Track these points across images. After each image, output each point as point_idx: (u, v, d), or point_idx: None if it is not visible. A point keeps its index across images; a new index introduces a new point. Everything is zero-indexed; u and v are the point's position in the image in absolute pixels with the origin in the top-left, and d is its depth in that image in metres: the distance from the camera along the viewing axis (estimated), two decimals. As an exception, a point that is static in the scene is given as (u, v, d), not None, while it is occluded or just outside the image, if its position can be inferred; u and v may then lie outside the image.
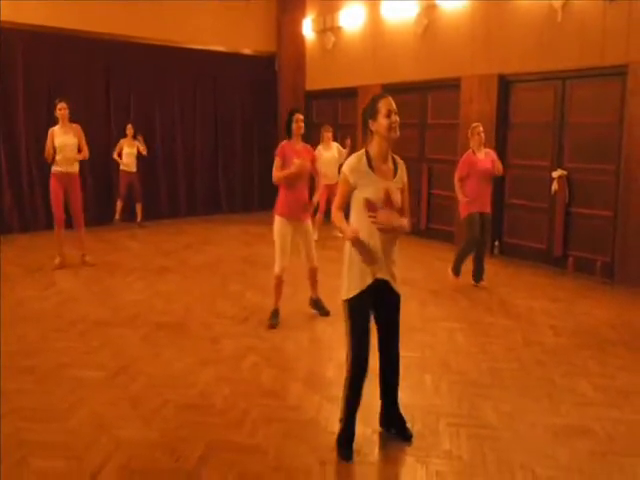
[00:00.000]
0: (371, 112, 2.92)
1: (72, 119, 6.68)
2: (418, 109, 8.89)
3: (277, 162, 4.79)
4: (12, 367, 4.03)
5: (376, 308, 3.06)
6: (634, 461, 3.01)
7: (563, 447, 3.13)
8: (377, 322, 3.11)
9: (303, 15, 10.83)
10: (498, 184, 7.61)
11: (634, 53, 6.04)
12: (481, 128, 6.00)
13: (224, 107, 10.83)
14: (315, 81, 10.72)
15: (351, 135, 9.45)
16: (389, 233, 2.92)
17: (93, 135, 9.36)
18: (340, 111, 10.60)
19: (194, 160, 10.65)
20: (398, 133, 2.90)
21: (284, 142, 4.89)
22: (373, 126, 2.91)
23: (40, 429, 3.23)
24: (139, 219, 9.45)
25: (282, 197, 4.86)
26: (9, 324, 4.88)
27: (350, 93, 9.92)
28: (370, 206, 2.89)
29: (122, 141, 9.13)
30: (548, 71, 6.95)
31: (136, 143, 9.11)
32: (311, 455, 3.03)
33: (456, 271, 6.08)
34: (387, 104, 2.89)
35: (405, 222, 3.00)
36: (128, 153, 9.05)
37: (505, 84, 7.51)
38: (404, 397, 3.66)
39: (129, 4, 9.39)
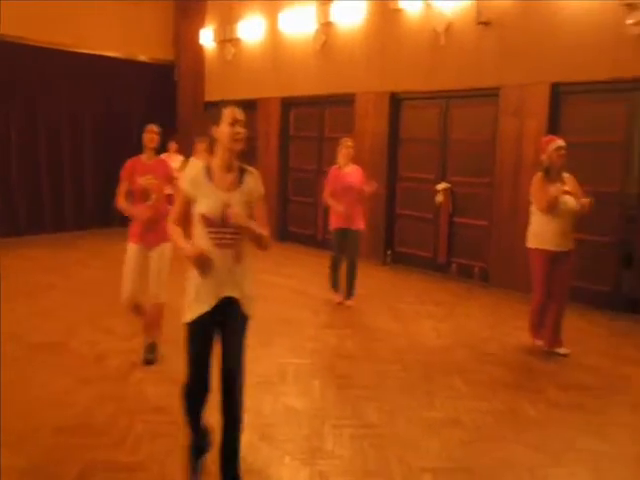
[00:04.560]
0: (215, 119, 2.71)
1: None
2: (316, 123, 9.14)
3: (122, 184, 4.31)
4: None
5: (222, 331, 2.77)
6: (498, 446, 3.31)
7: (435, 438, 3.37)
8: (222, 346, 2.77)
9: (202, 24, 10.78)
10: (390, 196, 8.06)
11: (505, 76, 6.65)
12: (350, 143, 5.89)
13: (117, 117, 10.43)
14: (215, 92, 10.68)
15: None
16: (240, 234, 2.67)
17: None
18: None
19: (83, 172, 10.11)
20: (241, 145, 2.69)
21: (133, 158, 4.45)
22: (216, 133, 2.70)
23: None
24: None
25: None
26: None
27: (250, 105, 9.98)
28: (207, 221, 2.65)
29: None
30: (433, 90, 7.45)
31: None
32: (195, 466, 3.01)
33: (333, 287, 6.03)
34: (232, 113, 2.68)
35: (258, 229, 2.73)
36: None
37: (396, 101, 7.95)
38: (294, 403, 3.77)
39: (10, 1, 8.84)
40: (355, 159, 6.19)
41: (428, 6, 7.32)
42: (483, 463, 3.14)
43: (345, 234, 5.81)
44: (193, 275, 2.72)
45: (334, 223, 5.85)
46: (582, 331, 5.35)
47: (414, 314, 5.79)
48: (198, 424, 2.89)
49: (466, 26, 6.97)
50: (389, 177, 8.03)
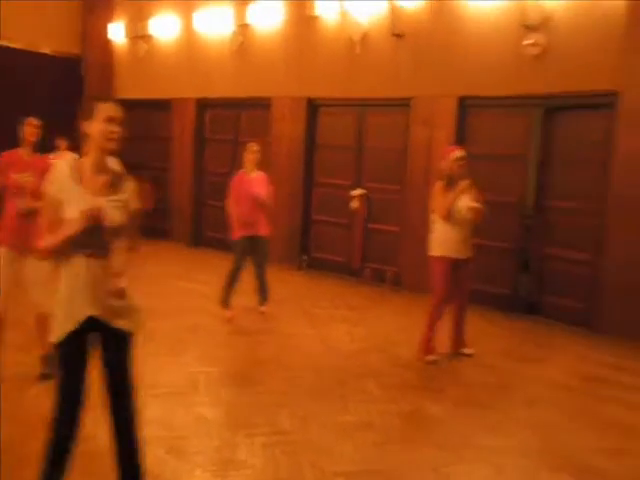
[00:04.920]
0: (89, 113, 2.42)
1: None
2: (232, 126, 9.01)
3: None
4: None
5: (102, 349, 2.53)
6: (406, 447, 3.40)
7: (348, 442, 3.40)
8: (103, 364, 2.55)
9: (111, 18, 10.30)
10: (306, 201, 8.11)
11: (417, 88, 6.92)
12: (256, 148, 5.70)
13: (16, 112, 9.66)
14: (127, 89, 10.22)
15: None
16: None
17: None
18: (155, 123, 10.20)
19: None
20: (115, 145, 2.44)
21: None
22: (88, 129, 2.42)
23: None
24: None
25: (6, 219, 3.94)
26: None
27: (165, 105, 9.67)
28: None
29: None
30: (349, 98, 7.60)
31: None
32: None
33: (225, 303, 5.59)
34: (109, 109, 2.41)
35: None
36: None
37: (313, 107, 8.01)
38: (205, 413, 3.65)
39: None
40: (268, 164, 6.14)
41: (344, 15, 7.45)
42: (392, 465, 3.21)
43: (251, 242, 5.58)
44: (62, 288, 2.45)
45: (238, 231, 5.60)
46: (483, 332, 5.65)
47: (328, 319, 5.85)
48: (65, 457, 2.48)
49: (381, 37, 7.17)
50: (305, 182, 8.08)
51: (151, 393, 3.86)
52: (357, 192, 7.52)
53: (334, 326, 5.63)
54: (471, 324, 5.13)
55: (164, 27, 9.48)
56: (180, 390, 3.98)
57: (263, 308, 5.82)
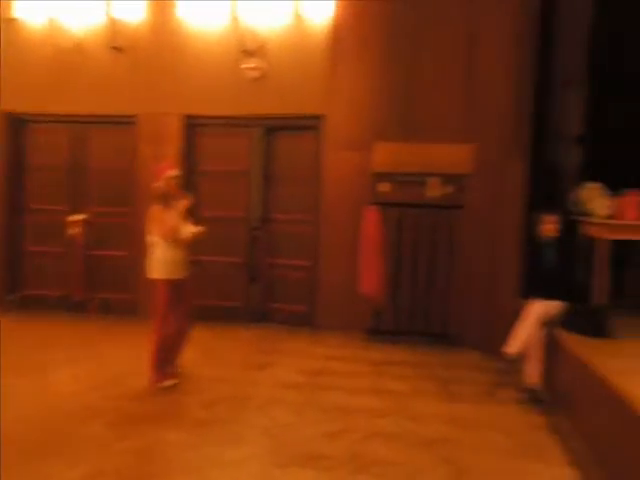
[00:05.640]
0: None
1: None
2: None
3: None
4: None
5: None
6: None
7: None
8: None
9: None
10: (15, 231, 6.93)
11: (141, 105, 6.60)
12: None
13: None
14: None
15: None
16: None
17: None
18: None
19: None
20: None
21: None
22: None
23: None
24: None
25: None
26: None
27: None
28: None
29: None
30: (65, 114, 6.83)
31: None
32: None
33: None
34: None
35: None
36: None
37: (18, 123, 6.97)
38: None
39: None
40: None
41: (52, 21, 6.70)
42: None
43: None
44: None
45: None
46: (219, 347, 5.61)
47: (46, 363, 4.96)
48: None
49: (98, 49, 6.67)
50: (12, 209, 6.95)
51: None
52: (76, 217, 6.74)
53: (54, 370, 4.79)
54: (206, 341, 4.99)
55: None
56: None
57: None
